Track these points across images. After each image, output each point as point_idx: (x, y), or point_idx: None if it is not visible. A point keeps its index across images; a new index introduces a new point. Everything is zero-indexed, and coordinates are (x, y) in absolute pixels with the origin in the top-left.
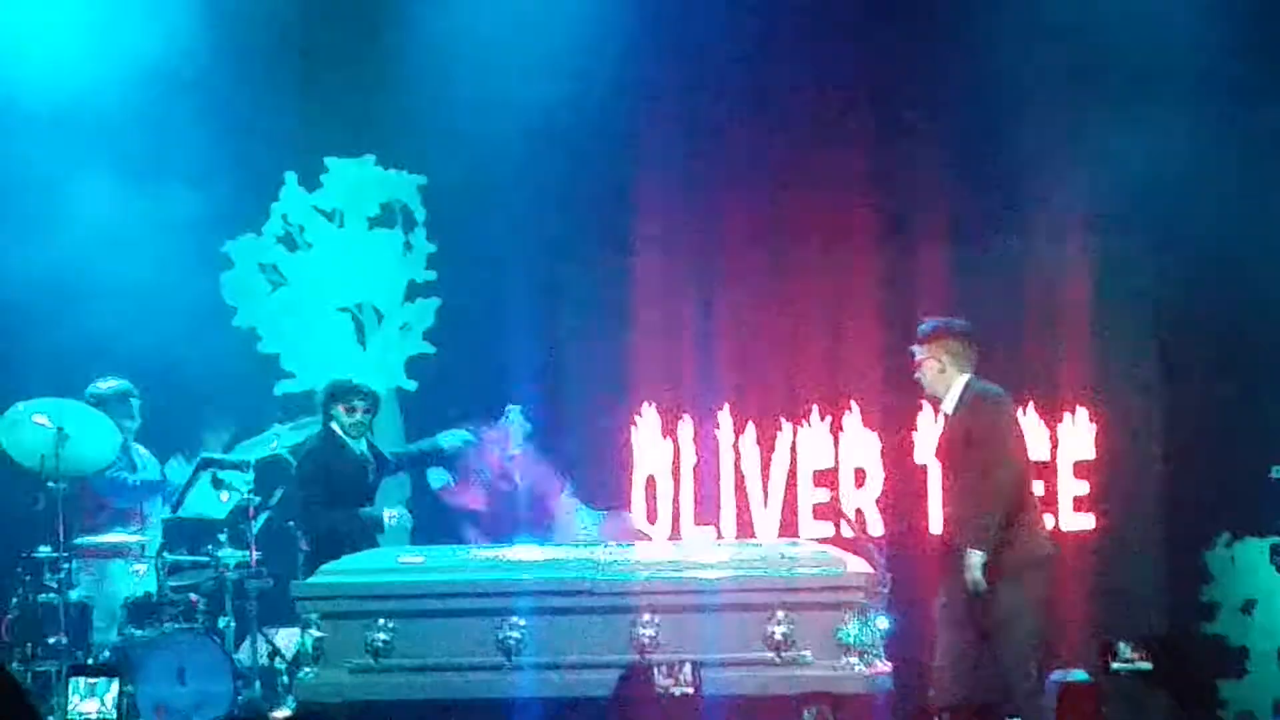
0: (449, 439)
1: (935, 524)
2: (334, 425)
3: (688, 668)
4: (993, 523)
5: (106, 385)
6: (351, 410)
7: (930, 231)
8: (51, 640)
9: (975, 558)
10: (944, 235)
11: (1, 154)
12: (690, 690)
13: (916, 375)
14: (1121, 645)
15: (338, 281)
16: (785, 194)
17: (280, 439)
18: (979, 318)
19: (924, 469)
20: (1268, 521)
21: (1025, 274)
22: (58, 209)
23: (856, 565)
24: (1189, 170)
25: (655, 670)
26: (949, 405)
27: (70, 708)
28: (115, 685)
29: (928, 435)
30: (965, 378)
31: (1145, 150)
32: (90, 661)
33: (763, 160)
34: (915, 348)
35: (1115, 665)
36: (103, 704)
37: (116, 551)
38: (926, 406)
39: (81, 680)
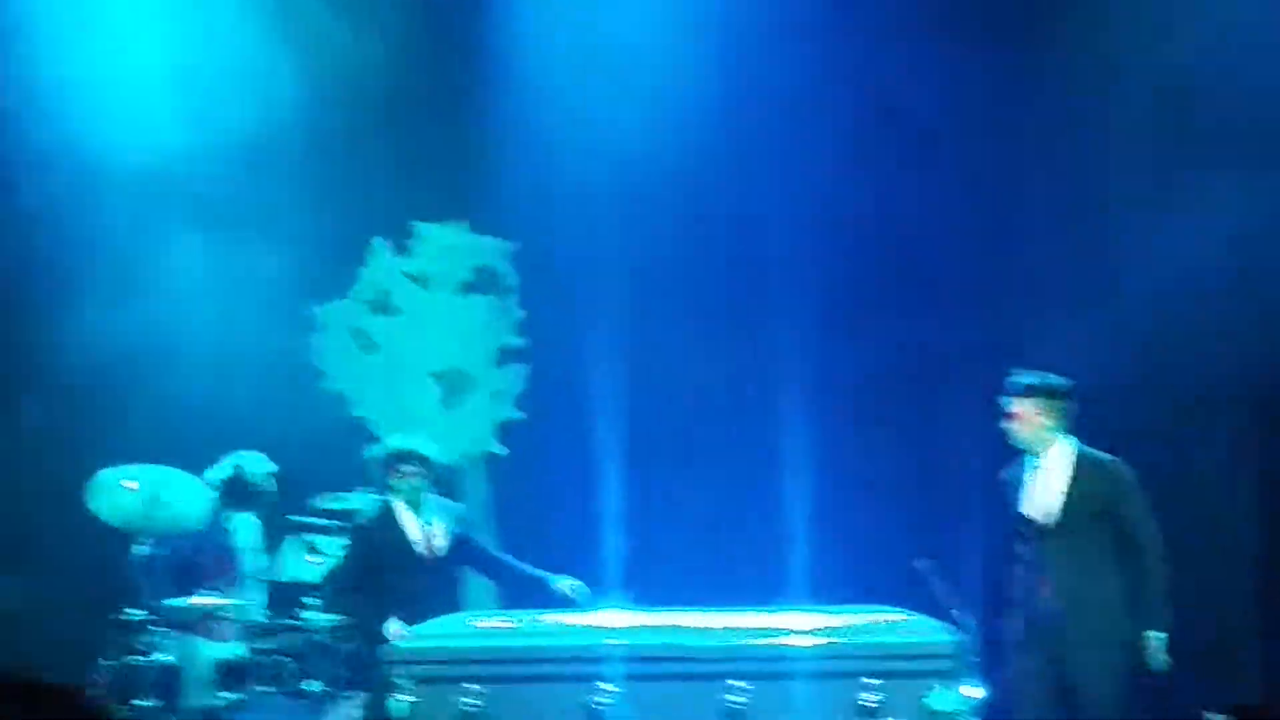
0: (563, 585)
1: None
2: (391, 498)
3: None
4: (1166, 599)
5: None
6: (401, 475)
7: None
8: (140, 703)
9: (1160, 640)
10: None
11: (92, 217)
12: None
13: (1010, 426)
14: (1213, 715)
15: (428, 346)
16: (878, 247)
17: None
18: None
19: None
20: None
21: (1115, 330)
22: (148, 273)
23: (946, 632)
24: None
25: None
26: (1059, 468)
27: None
28: None
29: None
30: (1069, 440)
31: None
32: None
33: (856, 216)
34: (1012, 400)
35: None
36: None
37: (206, 615)
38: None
39: None
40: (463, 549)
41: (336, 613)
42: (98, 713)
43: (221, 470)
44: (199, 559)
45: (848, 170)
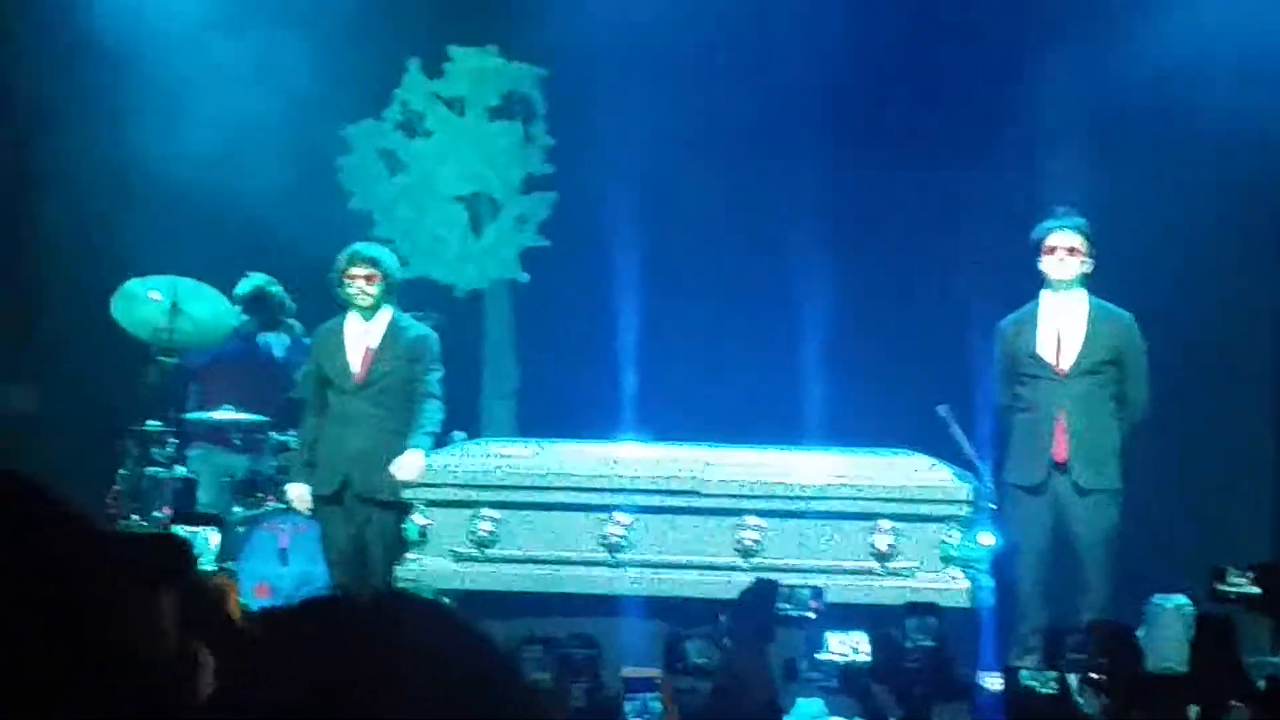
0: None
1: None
2: (348, 311)
3: (809, 593)
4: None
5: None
6: (350, 280)
7: None
8: (157, 514)
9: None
10: None
11: (126, 26)
12: (811, 615)
13: (1064, 261)
14: (1231, 570)
15: (455, 171)
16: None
17: None
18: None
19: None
20: None
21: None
22: (182, 82)
23: (963, 478)
24: None
25: (779, 590)
26: (1078, 313)
27: None
28: (217, 534)
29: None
30: (1083, 288)
31: None
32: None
33: (879, 54)
34: (1078, 236)
35: (1223, 588)
36: (206, 552)
37: (225, 428)
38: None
39: (183, 529)
40: (387, 378)
41: (302, 434)
42: (94, 533)
43: (245, 285)
44: (223, 373)
45: (870, 8)
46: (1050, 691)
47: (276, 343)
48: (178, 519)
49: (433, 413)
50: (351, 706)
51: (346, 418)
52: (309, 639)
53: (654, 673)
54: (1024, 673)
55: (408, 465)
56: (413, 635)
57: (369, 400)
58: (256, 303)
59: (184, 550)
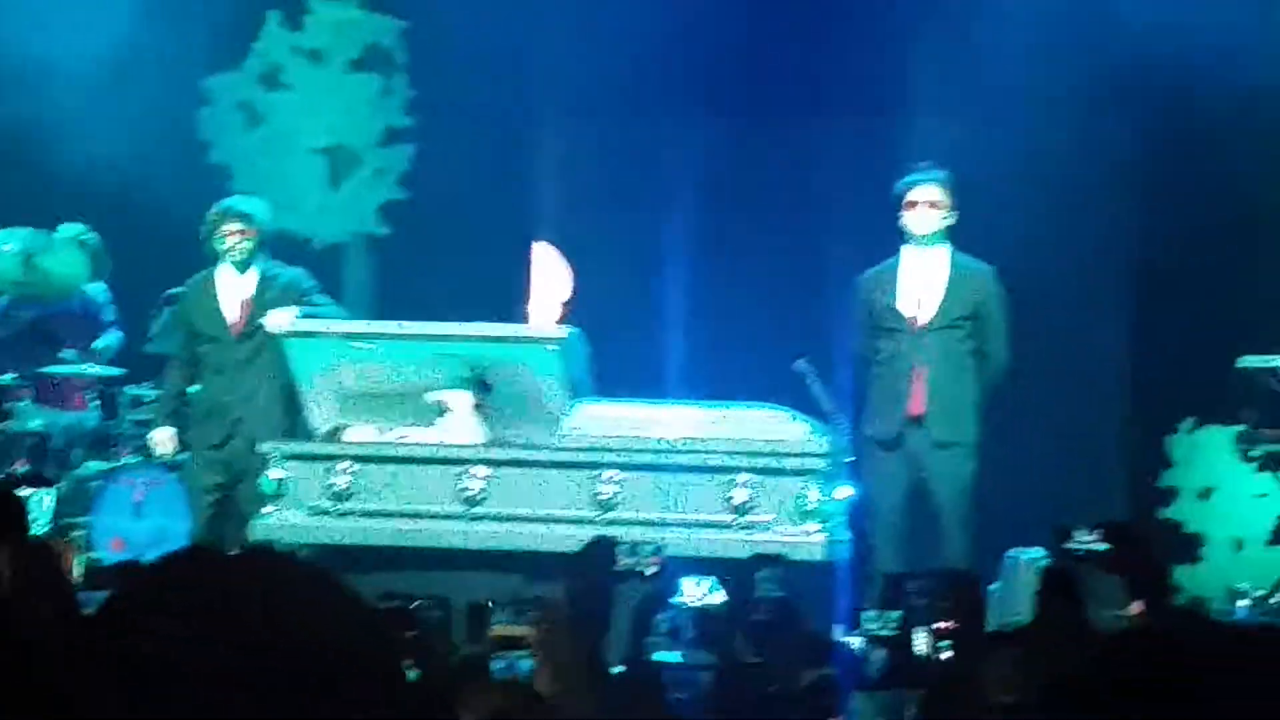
0: None
1: None
2: (218, 263)
3: (651, 549)
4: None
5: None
6: (221, 235)
7: None
8: (14, 470)
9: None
10: None
11: None
12: (653, 570)
13: (925, 214)
14: (1078, 528)
15: (315, 123)
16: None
17: None
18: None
19: None
20: (1232, 410)
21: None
22: (37, 39)
23: (821, 432)
24: None
25: (619, 548)
26: (940, 266)
27: None
28: (50, 497)
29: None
30: (946, 241)
31: None
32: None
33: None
34: (939, 190)
35: (1069, 546)
36: (39, 513)
37: (78, 381)
38: None
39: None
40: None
41: (169, 383)
42: None
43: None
44: (60, 324)
45: None
46: (891, 633)
47: (99, 293)
48: (8, 483)
49: (327, 306)
50: (216, 663)
51: (227, 367)
52: (173, 596)
53: (525, 631)
54: (866, 614)
55: (276, 315)
56: (277, 591)
57: (251, 349)
58: None
59: (18, 508)
